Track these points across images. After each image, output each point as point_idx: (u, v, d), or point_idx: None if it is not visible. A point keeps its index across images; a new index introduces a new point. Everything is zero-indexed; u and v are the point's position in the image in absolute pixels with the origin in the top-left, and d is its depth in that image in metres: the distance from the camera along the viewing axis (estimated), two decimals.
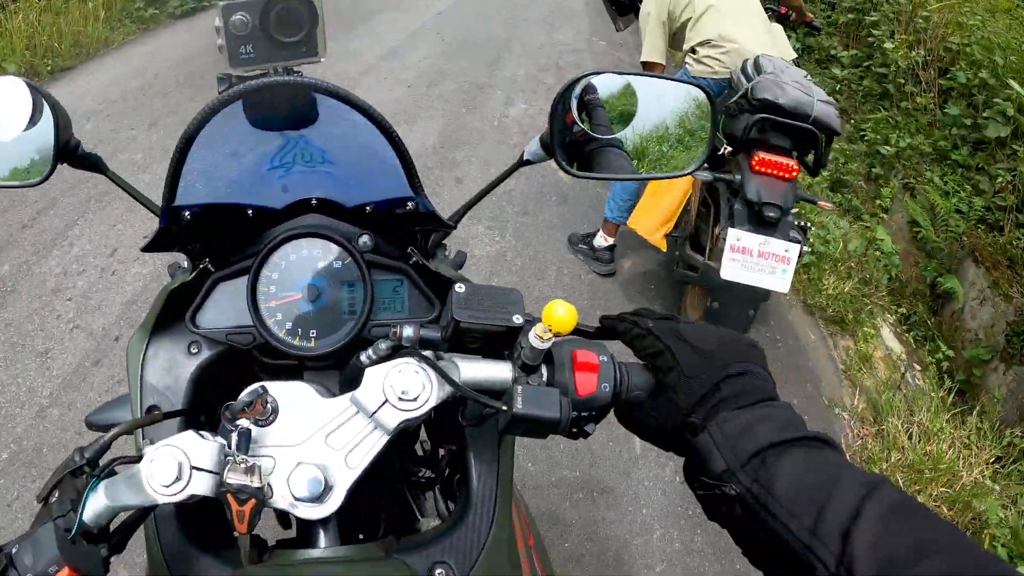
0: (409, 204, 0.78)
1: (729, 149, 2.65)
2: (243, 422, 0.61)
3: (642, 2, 3.18)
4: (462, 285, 0.67)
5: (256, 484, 0.56)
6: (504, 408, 0.60)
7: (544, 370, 0.65)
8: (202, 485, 0.55)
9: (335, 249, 0.78)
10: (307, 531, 0.69)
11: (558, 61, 6.45)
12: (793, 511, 0.55)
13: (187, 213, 0.73)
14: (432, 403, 0.62)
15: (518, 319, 0.65)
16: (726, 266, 2.42)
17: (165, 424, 0.73)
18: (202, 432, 0.58)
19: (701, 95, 0.89)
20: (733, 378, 0.64)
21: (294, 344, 0.77)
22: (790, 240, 2.42)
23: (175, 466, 0.54)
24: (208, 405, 0.80)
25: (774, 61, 2.63)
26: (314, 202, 0.79)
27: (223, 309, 0.79)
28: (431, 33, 6.78)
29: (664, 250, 3.13)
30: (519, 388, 0.61)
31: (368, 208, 0.79)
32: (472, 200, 0.88)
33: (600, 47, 6.98)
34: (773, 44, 2.98)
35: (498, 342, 0.67)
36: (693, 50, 3.00)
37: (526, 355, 0.63)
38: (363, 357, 0.68)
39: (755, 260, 2.41)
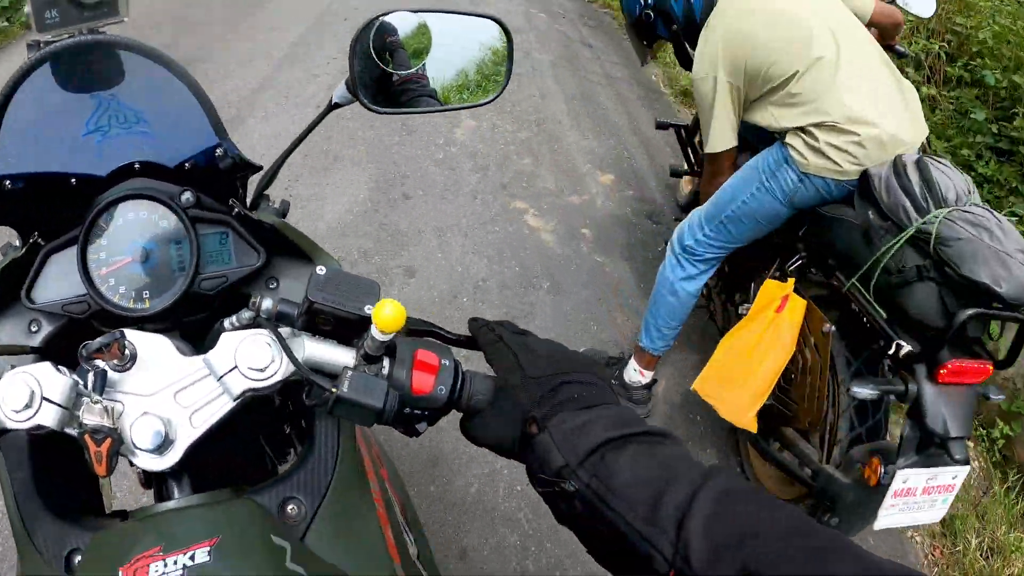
0: (218, 151, 0.79)
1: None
2: (100, 363, 0.62)
3: (694, 62, 2.23)
4: (323, 268, 0.66)
5: (111, 425, 0.58)
6: (333, 390, 0.61)
7: (386, 363, 0.66)
8: (50, 417, 0.57)
9: (160, 209, 0.78)
10: (161, 487, 0.70)
11: None
12: (631, 503, 0.56)
13: (7, 184, 0.73)
14: (279, 377, 0.64)
15: (368, 309, 0.64)
16: (884, 516, 1.71)
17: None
18: (60, 367, 0.60)
19: (496, 28, 1.02)
20: (573, 383, 0.66)
21: (129, 307, 0.76)
22: (960, 463, 1.70)
23: (27, 393, 0.57)
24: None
25: (954, 180, 1.75)
26: (137, 166, 0.78)
27: (57, 282, 0.78)
28: (337, 19, 5.55)
29: (755, 431, 2.11)
30: (349, 373, 0.62)
31: (188, 165, 0.79)
32: (285, 152, 0.91)
33: (540, 19, 5.99)
34: (912, 118, 2.04)
35: (349, 329, 0.67)
36: (804, 130, 2.00)
37: (368, 345, 0.64)
38: (226, 323, 0.71)
39: (917, 499, 1.71)
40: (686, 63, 2.43)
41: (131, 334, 0.65)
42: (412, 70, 0.94)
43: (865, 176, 1.90)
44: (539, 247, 3.55)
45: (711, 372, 2.19)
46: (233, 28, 5.22)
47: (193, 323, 0.80)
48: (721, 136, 2.20)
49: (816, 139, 1.96)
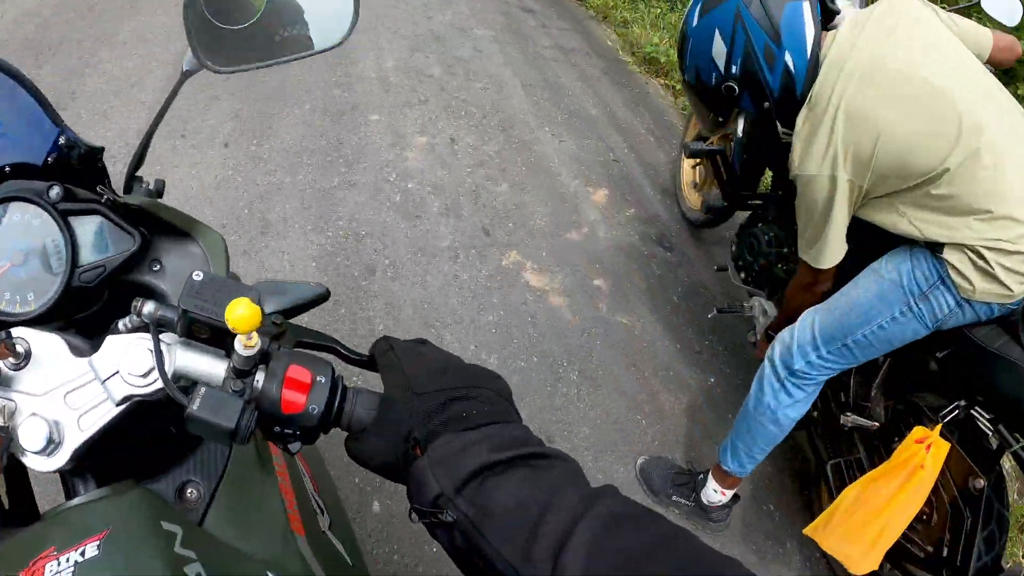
0: (61, 139, 0.77)
1: None
2: None
3: (799, 154, 1.63)
4: (200, 273, 0.62)
5: (2, 423, 0.58)
6: (187, 404, 0.56)
7: (260, 377, 0.60)
8: None
9: (31, 208, 0.75)
10: (67, 487, 0.69)
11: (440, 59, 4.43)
12: (508, 534, 0.50)
13: None
14: (161, 384, 0.61)
15: None
16: None
17: None
18: None
19: None
20: (464, 400, 0.60)
21: (14, 312, 0.73)
22: None
23: None
24: None
25: None
26: (7, 169, 0.76)
27: None
28: None
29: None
30: (203, 390, 0.57)
31: (51, 159, 0.78)
32: (148, 131, 0.88)
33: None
34: None
35: (227, 337, 0.61)
36: (970, 248, 1.51)
37: (236, 358, 0.59)
38: (120, 324, 0.68)
39: None
40: (770, 149, 1.98)
41: (25, 332, 0.63)
42: (250, 21, 0.86)
43: None
44: (552, 319, 2.79)
45: (832, 522, 1.83)
46: (107, 42, 3.95)
47: (90, 319, 0.77)
48: (835, 248, 1.70)
49: (987, 261, 1.50)
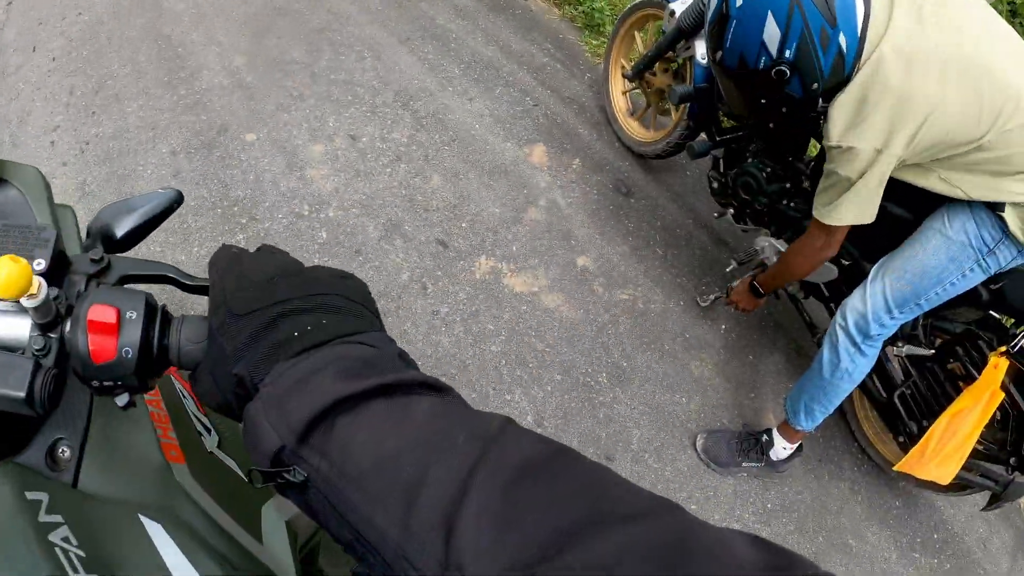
0: None
1: None
2: None
3: (838, 127, 1.61)
4: None
5: None
6: None
7: (68, 326, 0.53)
8: None
9: None
10: None
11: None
12: (376, 495, 0.37)
13: None
14: None
15: (40, 264, 0.55)
16: None
17: None
18: None
19: None
20: (296, 315, 0.46)
21: None
22: None
23: None
24: None
25: None
26: None
27: None
28: (51, 96, 3.39)
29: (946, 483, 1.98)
30: None
31: None
32: None
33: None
34: None
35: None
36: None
37: (31, 314, 0.53)
38: None
39: None
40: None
41: None
42: None
43: None
44: (556, 324, 2.44)
45: (925, 455, 1.95)
46: None
47: None
48: (862, 209, 1.70)
49: None
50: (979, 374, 1.86)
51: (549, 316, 2.47)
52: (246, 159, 2.86)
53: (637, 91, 3.00)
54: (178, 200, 0.77)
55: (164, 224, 0.97)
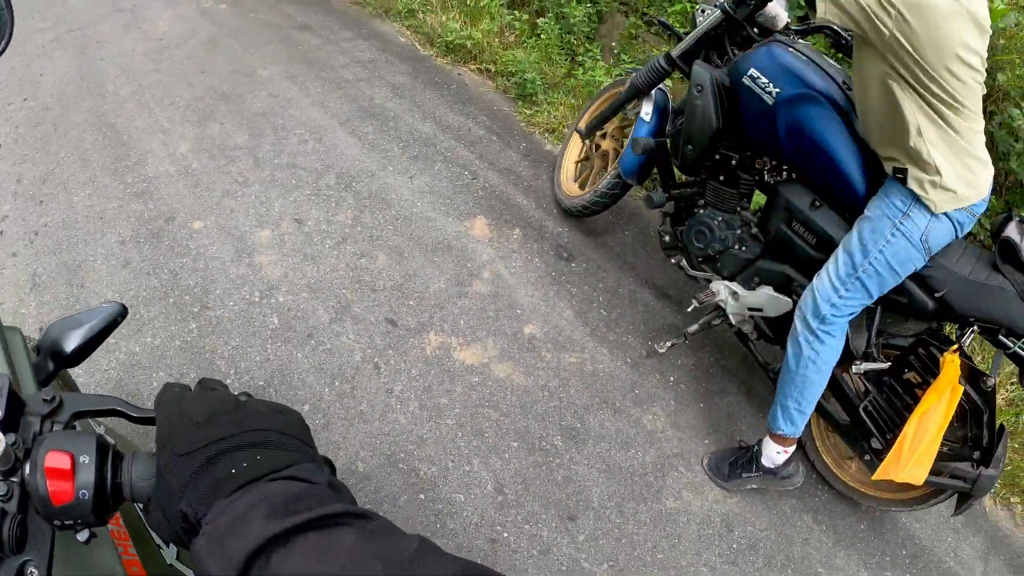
0: None
1: None
2: None
3: None
4: None
5: None
6: None
7: (26, 470, 0.55)
8: None
9: None
10: None
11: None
12: None
13: None
14: None
15: None
16: None
17: None
18: None
19: None
20: (233, 453, 0.50)
21: None
22: None
23: None
24: None
25: None
26: None
27: None
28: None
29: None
30: None
31: None
32: None
33: (222, 12, 4.24)
34: None
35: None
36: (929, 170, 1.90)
37: None
38: None
39: None
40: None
41: None
42: None
43: (1007, 243, 1.99)
44: (508, 393, 2.54)
45: (900, 458, 2.09)
46: None
47: None
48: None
49: (937, 180, 1.89)
50: (935, 378, 2.06)
51: (501, 386, 2.57)
52: (195, 247, 2.92)
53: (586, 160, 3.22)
54: (122, 314, 0.81)
55: None
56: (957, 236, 1.98)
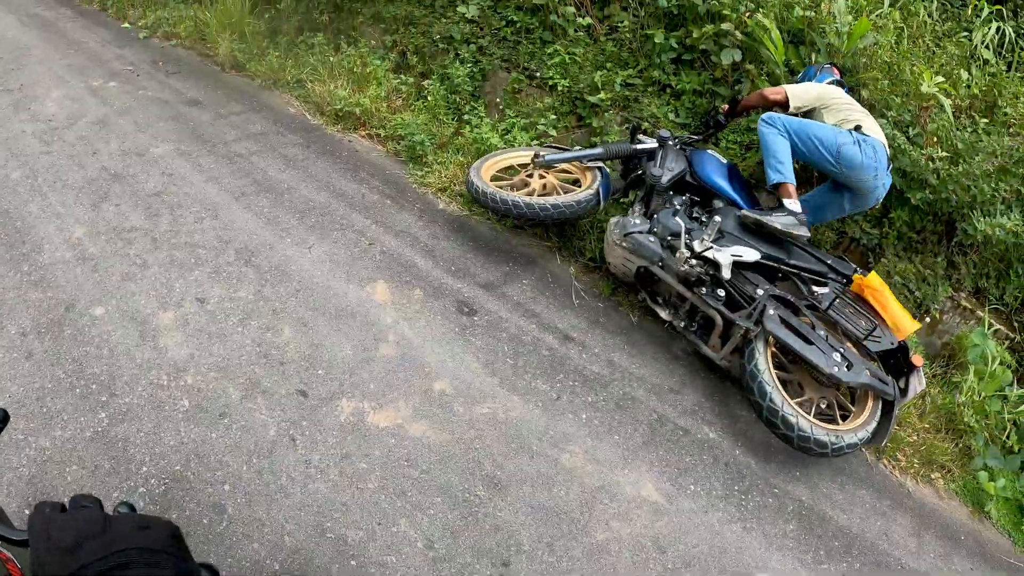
0: None
1: None
2: None
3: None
4: None
5: None
6: None
7: None
8: None
9: None
10: None
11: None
12: None
13: None
14: None
15: None
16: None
17: None
18: None
19: None
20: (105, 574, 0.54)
21: None
22: None
23: None
24: None
25: None
26: None
27: None
28: None
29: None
30: None
31: None
32: None
33: (111, 90, 4.24)
34: None
35: None
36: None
37: None
38: None
39: None
40: None
41: None
42: None
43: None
44: (424, 450, 2.70)
45: (901, 318, 3.10)
46: None
47: None
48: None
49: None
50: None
51: (418, 444, 2.73)
52: (97, 334, 2.94)
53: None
54: (3, 419, 0.82)
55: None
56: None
